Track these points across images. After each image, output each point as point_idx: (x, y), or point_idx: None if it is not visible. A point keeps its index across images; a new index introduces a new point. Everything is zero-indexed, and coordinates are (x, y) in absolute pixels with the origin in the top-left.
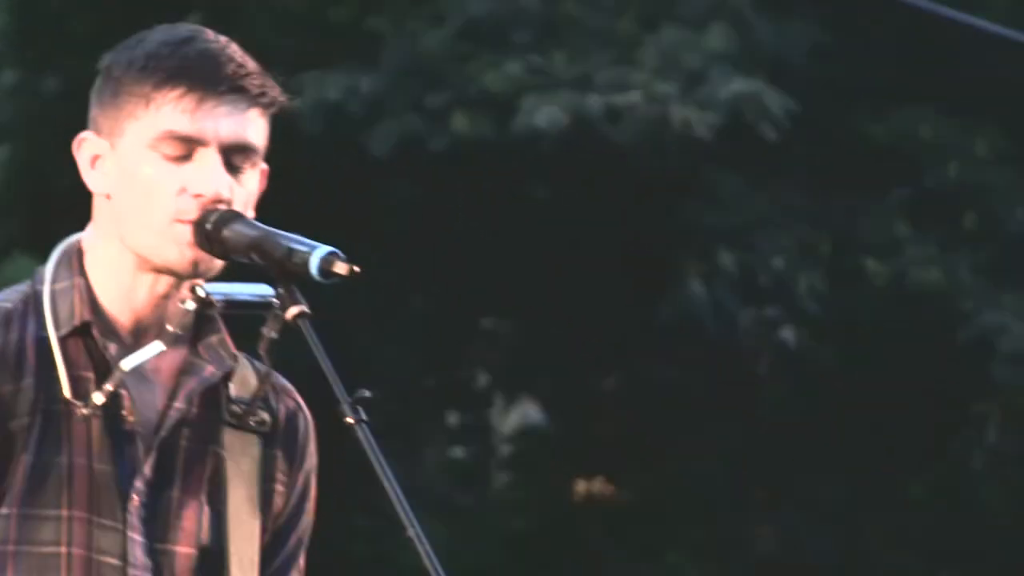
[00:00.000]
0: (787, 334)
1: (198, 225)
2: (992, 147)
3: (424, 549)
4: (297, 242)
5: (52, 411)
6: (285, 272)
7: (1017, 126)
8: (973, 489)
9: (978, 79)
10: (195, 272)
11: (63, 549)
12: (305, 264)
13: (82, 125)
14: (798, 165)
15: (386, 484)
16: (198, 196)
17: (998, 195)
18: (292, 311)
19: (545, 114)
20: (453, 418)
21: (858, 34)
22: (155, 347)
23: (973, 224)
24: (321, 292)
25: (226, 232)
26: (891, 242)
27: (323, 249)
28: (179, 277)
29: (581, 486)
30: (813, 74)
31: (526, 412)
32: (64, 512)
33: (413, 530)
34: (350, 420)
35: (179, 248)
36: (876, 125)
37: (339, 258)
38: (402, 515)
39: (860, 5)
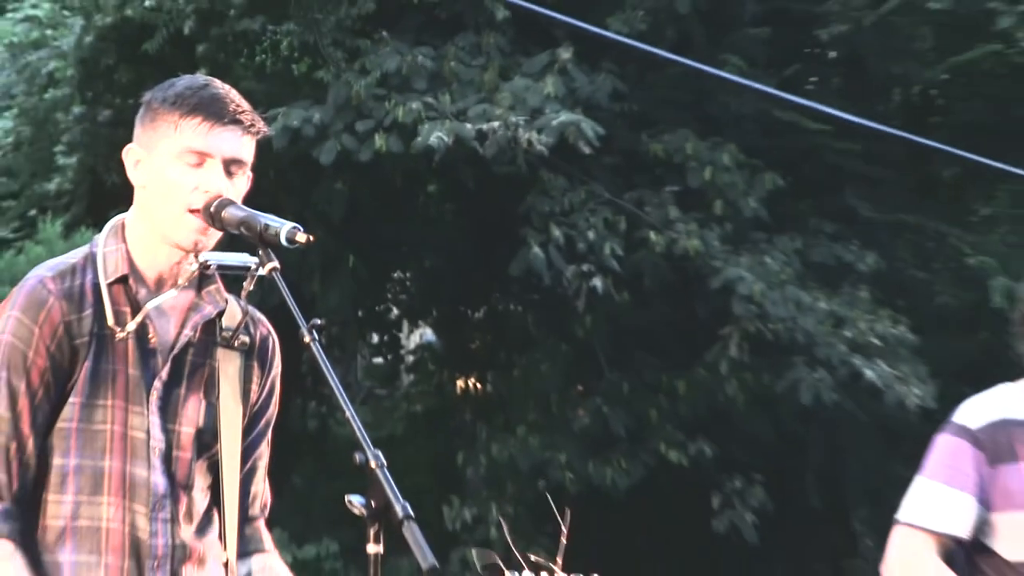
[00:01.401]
0: (596, 282)
1: (206, 208)
2: (733, 158)
3: (356, 425)
4: (271, 219)
5: (103, 334)
6: (263, 240)
7: (748, 144)
8: (720, 386)
9: (724, 111)
10: (198, 248)
11: (108, 427)
12: (277, 234)
13: (124, 142)
14: (604, 170)
15: (331, 381)
16: (207, 192)
17: (736, 190)
18: (268, 266)
19: (436, 137)
20: (375, 338)
21: (643, 82)
22: (170, 294)
23: (720, 210)
24: (285, 255)
25: (224, 213)
26: (666, 221)
27: (289, 224)
28: (186, 252)
29: (460, 383)
30: (613, 109)
31: (424, 334)
32: (110, 402)
33: (348, 412)
34: (307, 339)
35: (189, 233)
36: (655, 143)
37: (299, 231)
38: (342, 402)
39: (644, 64)
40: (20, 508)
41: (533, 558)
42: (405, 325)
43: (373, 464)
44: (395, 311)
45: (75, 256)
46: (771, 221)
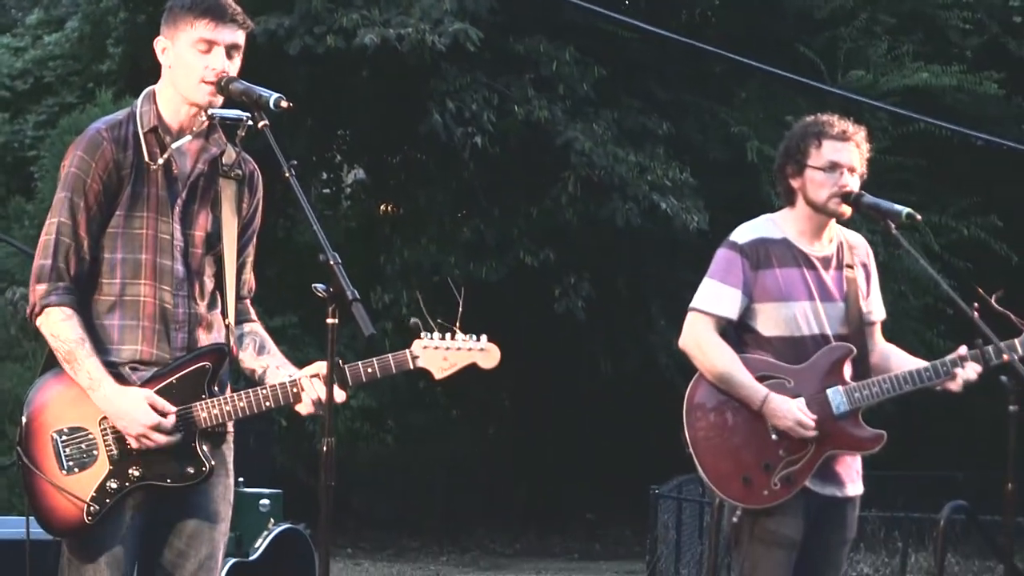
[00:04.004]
0: (477, 140)
1: (217, 83)
2: (571, 56)
3: (320, 235)
4: (263, 91)
5: (140, 167)
6: (257, 105)
7: (583, 46)
8: (561, 212)
9: (567, 23)
10: (208, 107)
11: (144, 231)
12: (267, 101)
13: (156, 34)
14: (483, 63)
15: (303, 203)
16: (215, 70)
17: (574, 78)
18: (261, 123)
19: (369, 38)
20: (324, 175)
21: (511, 2)
22: (187, 138)
23: (562, 91)
24: (271, 116)
25: (230, 86)
26: (525, 99)
27: (275, 95)
28: (200, 108)
29: (382, 207)
30: (490, 21)
31: (357, 173)
32: (145, 214)
33: (315, 225)
34: (287, 174)
35: (203, 96)
36: (519, 44)
37: (283, 99)
38: (310, 217)
39: None
40: (77, 287)
41: (439, 321)
42: (345, 167)
43: (332, 262)
44: (339, 157)
45: (121, 114)
46: (597, 99)
